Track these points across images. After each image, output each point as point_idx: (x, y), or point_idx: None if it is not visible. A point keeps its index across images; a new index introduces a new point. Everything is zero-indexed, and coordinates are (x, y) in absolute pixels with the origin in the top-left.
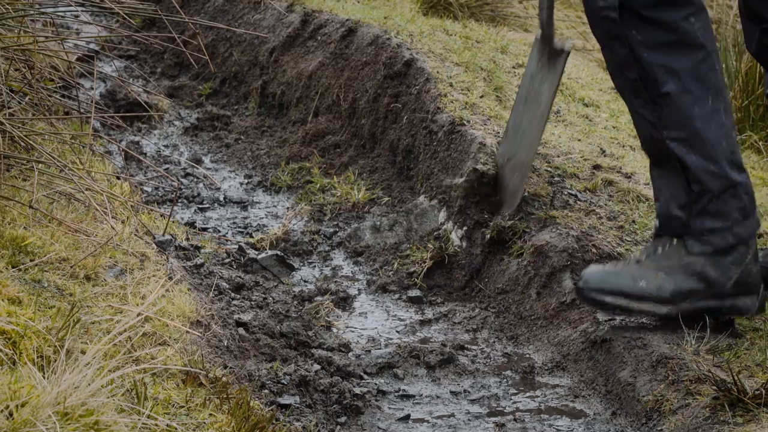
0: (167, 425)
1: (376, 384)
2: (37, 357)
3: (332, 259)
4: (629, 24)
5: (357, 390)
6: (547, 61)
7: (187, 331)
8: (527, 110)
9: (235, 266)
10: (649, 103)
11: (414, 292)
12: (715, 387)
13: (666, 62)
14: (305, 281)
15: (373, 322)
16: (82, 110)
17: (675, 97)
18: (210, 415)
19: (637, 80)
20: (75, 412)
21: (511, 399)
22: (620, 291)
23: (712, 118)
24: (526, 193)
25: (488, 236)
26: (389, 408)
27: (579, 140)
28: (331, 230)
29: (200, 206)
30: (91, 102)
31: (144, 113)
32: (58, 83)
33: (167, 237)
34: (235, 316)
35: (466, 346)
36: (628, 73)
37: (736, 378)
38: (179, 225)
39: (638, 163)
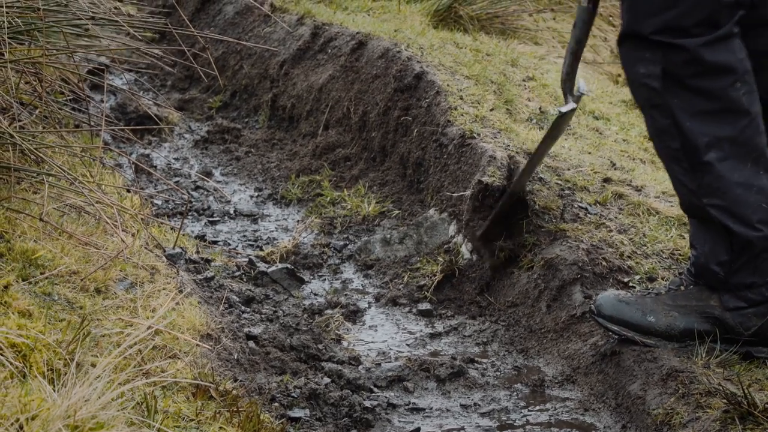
0: None
1: (386, 397)
2: (48, 370)
3: (342, 272)
4: (672, 93)
5: (367, 403)
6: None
7: (198, 344)
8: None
9: (245, 279)
10: (689, 172)
11: (424, 306)
12: (725, 400)
13: (709, 131)
14: (315, 294)
15: (383, 335)
16: (92, 123)
17: (716, 165)
18: (220, 428)
19: (678, 149)
20: (85, 426)
21: (521, 412)
22: (628, 323)
23: (752, 183)
24: (536, 206)
25: (502, 255)
26: (399, 421)
27: (589, 153)
28: (342, 243)
29: (210, 219)
30: (102, 115)
31: (154, 126)
32: (68, 96)
33: (177, 250)
34: (246, 329)
35: (476, 359)
36: (669, 142)
37: (746, 391)
38: (189, 238)
39: (648, 176)
